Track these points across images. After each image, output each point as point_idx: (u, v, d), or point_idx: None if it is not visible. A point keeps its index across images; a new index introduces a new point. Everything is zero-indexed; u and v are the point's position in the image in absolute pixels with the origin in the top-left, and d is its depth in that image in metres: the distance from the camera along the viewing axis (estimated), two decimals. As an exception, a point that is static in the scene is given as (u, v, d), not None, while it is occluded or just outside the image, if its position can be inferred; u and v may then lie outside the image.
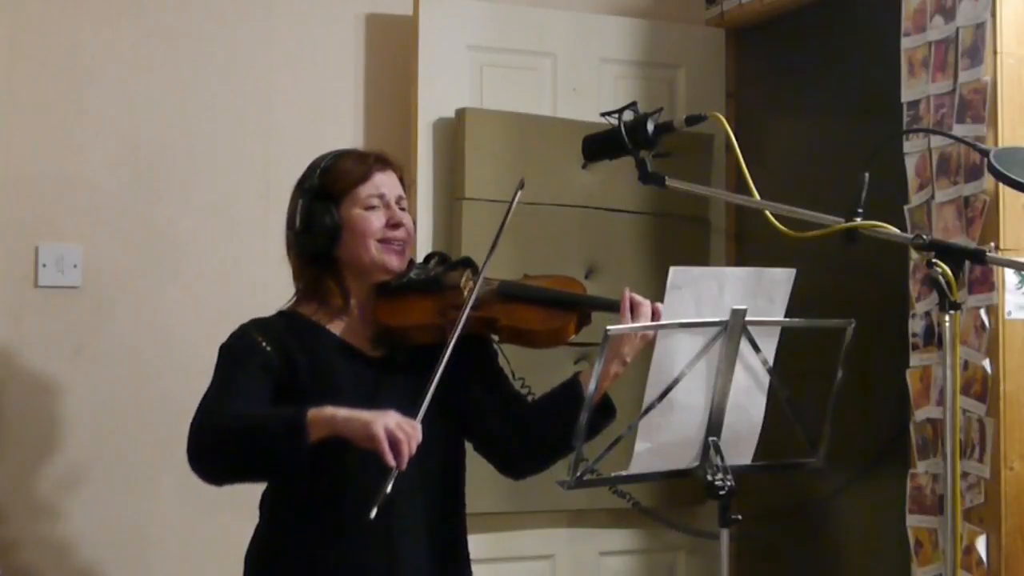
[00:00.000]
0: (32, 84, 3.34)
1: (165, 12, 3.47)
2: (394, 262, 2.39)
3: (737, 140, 2.30)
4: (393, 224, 2.38)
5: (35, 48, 3.35)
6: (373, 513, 2.08)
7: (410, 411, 2.16)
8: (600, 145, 2.36)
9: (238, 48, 3.54)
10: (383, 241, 2.37)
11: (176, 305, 3.43)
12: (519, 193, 2.38)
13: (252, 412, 2.25)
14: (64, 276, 3.32)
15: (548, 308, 2.37)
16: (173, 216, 3.45)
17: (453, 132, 3.59)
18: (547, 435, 2.30)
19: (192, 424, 2.26)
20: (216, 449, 2.22)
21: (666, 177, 2.29)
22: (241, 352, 2.35)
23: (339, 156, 2.44)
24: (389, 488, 2.08)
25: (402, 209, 2.42)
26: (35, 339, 3.31)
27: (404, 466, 2.09)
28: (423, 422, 2.15)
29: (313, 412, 2.14)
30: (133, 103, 3.42)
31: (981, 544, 2.82)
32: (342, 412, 2.13)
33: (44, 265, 3.31)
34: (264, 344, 2.34)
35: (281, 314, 2.43)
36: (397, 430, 2.09)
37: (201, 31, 3.51)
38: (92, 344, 3.35)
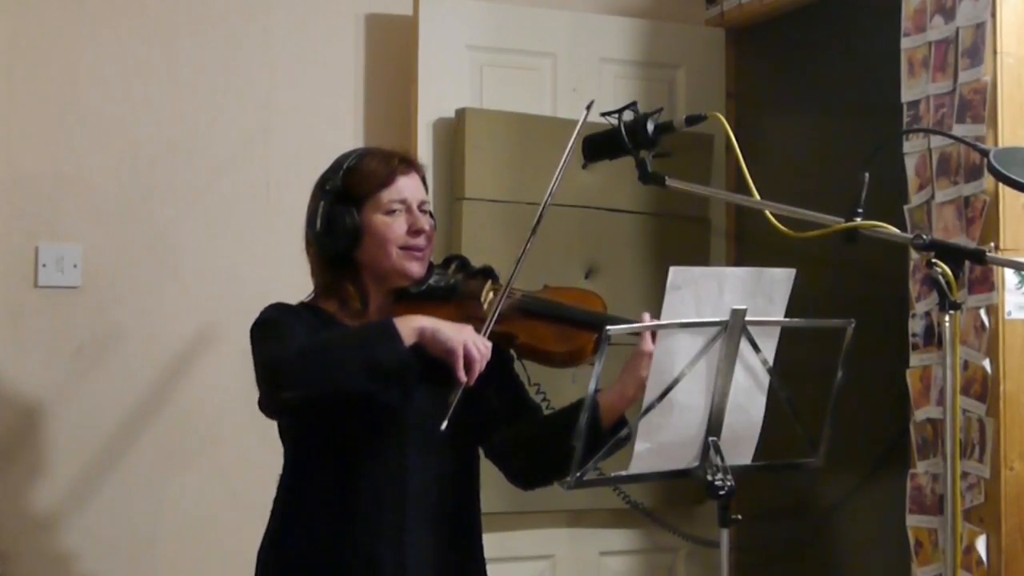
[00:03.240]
0: (32, 84, 3.34)
1: (165, 12, 3.47)
2: (415, 268, 2.38)
3: (737, 140, 2.30)
4: (414, 231, 2.37)
5: (35, 48, 3.35)
6: (444, 425, 2.15)
7: (436, 421, 2.17)
8: (600, 145, 2.36)
9: (238, 48, 3.54)
10: (404, 248, 2.36)
11: (176, 305, 3.43)
12: (587, 113, 2.34)
13: (336, 332, 2.28)
14: (64, 276, 3.32)
15: (568, 327, 2.33)
16: (173, 216, 3.45)
17: (453, 132, 3.59)
18: (557, 450, 2.23)
19: (265, 363, 2.22)
20: (307, 370, 2.18)
21: (666, 177, 2.29)
22: (283, 316, 2.33)
23: (363, 156, 2.42)
24: (456, 400, 2.16)
25: (424, 212, 2.41)
26: (35, 339, 3.31)
27: (472, 383, 2.18)
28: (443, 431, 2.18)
29: (400, 319, 2.20)
30: (133, 103, 3.43)
31: (981, 544, 2.82)
32: (429, 323, 2.20)
33: (44, 265, 3.31)
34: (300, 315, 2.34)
35: (305, 305, 2.42)
36: (473, 348, 2.18)
37: (201, 31, 3.51)
38: (92, 344, 3.35)
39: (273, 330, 2.30)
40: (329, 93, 3.64)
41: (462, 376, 2.17)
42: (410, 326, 2.19)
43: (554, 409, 2.48)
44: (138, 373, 3.38)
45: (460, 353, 2.17)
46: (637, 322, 2.22)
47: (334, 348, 2.21)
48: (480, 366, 2.19)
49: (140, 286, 3.41)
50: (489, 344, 2.21)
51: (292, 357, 2.19)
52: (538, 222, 2.32)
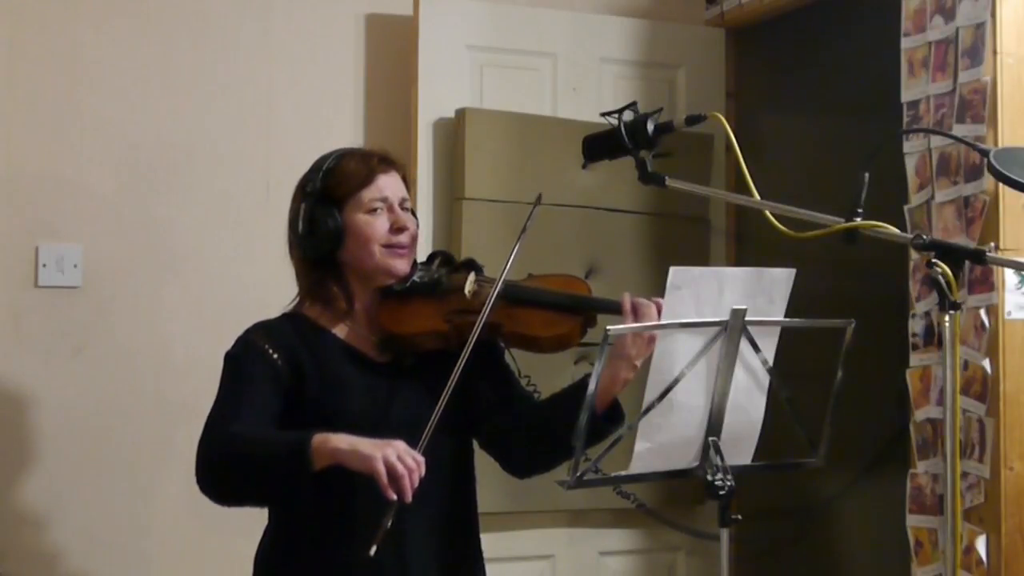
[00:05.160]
0: (32, 84, 3.34)
1: (165, 12, 3.47)
2: (398, 266, 2.37)
3: (737, 140, 2.30)
4: (397, 228, 2.37)
5: (35, 48, 3.35)
6: (373, 550, 2.06)
7: (422, 419, 2.16)
8: (600, 145, 2.36)
9: (238, 48, 3.54)
10: (387, 246, 2.36)
11: (176, 305, 3.43)
12: (535, 210, 2.34)
13: (258, 436, 2.23)
14: (64, 276, 3.32)
15: (553, 312, 2.33)
16: (173, 216, 3.45)
17: (453, 132, 3.59)
18: (554, 435, 2.26)
19: (200, 445, 2.23)
20: (222, 473, 2.20)
21: (666, 177, 2.29)
22: (248, 362, 2.32)
23: (342, 157, 2.42)
24: (389, 523, 2.06)
25: (405, 210, 2.41)
26: (35, 339, 3.31)
27: (407, 500, 2.07)
28: (432, 430, 2.15)
29: (318, 440, 2.11)
30: (133, 103, 3.43)
31: (981, 544, 2.82)
32: (345, 443, 2.10)
33: (44, 265, 3.31)
34: (271, 352, 2.31)
35: (286, 316, 2.41)
36: (398, 463, 2.06)
37: (201, 31, 3.51)
38: (92, 344, 3.35)
39: (230, 384, 2.31)
40: (329, 93, 3.63)
41: (389, 495, 2.05)
42: (327, 448, 2.10)
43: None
44: (138, 373, 3.38)
45: (381, 471, 2.05)
46: (632, 311, 2.24)
47: (245, 460, 2.18)
48: (412, 479, 2.06)
49: (140, 286, 3.41)
50: (421, 459, 2.08)
51: (212, 457, 2.20)
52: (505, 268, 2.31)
